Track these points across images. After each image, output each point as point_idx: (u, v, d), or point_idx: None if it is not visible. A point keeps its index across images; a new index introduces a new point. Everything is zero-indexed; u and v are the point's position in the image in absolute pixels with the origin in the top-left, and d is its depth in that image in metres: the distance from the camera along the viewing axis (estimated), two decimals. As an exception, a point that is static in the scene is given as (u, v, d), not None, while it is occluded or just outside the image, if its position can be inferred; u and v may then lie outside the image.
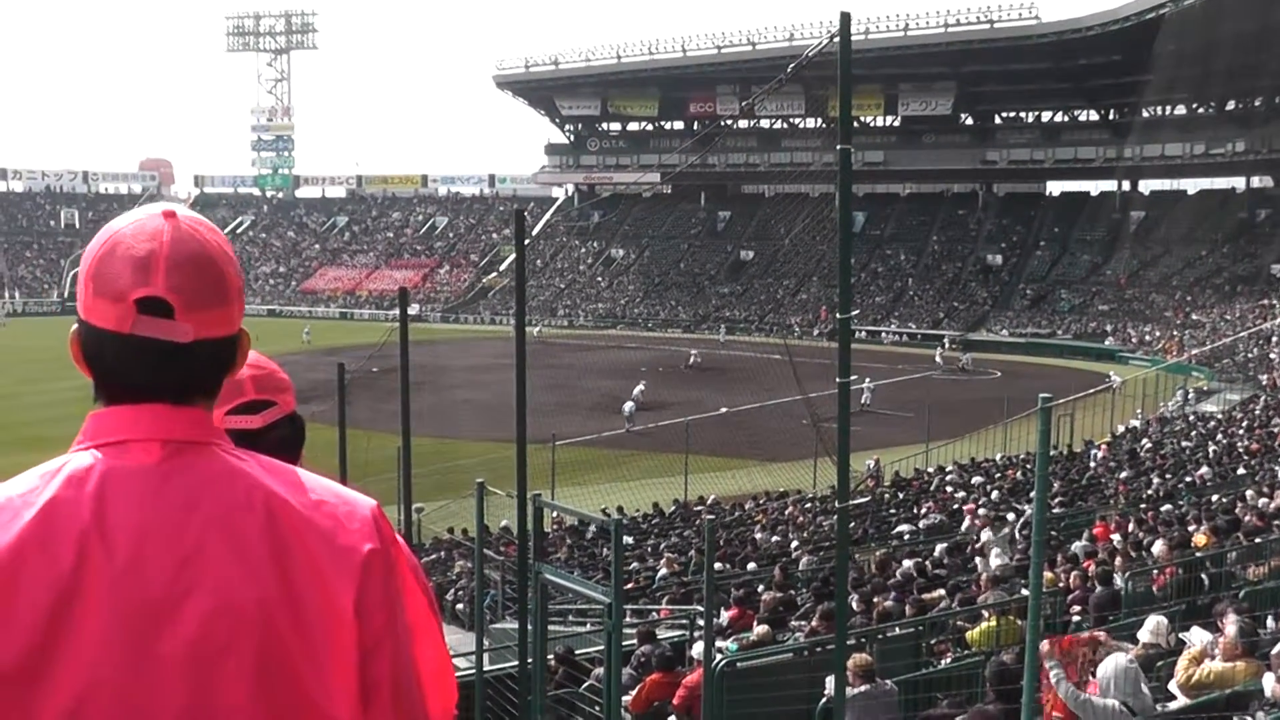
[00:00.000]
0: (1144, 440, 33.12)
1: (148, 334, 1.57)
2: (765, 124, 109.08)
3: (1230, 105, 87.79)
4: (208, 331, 1.61)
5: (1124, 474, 25.50)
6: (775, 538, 22.95)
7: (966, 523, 20.89)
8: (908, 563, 16.50)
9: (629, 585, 17.14)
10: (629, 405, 44.27)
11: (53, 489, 1.54)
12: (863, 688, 8.80)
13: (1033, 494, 7.51)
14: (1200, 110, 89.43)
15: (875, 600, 12.83)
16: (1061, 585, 12.64)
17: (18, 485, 1.56)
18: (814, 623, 11.70)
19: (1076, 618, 11.36)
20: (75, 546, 1.50)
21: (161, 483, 1.57)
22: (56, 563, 1.49)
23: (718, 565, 17.28)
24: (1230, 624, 7.85)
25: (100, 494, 1.54)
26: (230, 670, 1.51)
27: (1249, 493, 18.34)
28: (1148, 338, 70.74)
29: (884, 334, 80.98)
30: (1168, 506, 19.00)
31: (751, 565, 19.22)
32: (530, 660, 10.74)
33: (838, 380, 7.85)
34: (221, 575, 1.53)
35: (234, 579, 1.53)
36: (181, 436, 1.61)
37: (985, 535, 17.62)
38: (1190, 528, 15.74)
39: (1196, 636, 8.23)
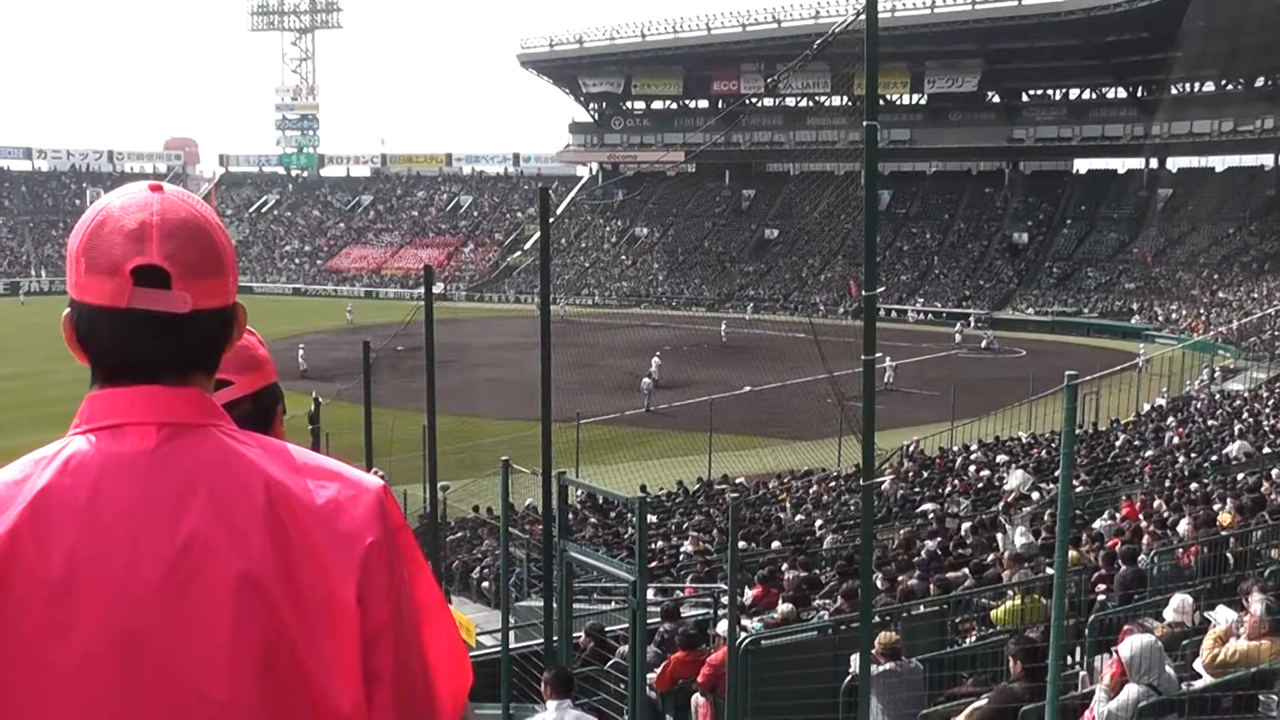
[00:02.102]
0: (1169, 419, 32.95)
1: (146, 307, 1.53)
2: (790, 102, 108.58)
3: (1259, 82, 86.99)
4: (205, 302, 1.57)
5: (1149, 452, 25.41)
6: (799, 516, 22.96)
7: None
8: (930, 543, 16.51)
9: (653, 564, 17.19)
10: (646, 382, 44.30)
11: (46, 477, 1.50)
12: (888, 666, 8.82)
13: (1058, 472, 7.51)
14: (1229, 87, 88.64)
15: (900, 579, 12.85)
16: (1087, 564, 12.62)
17: (11, 472, 1.53)
18: (838, 601, 11.73)
19: (1101, 596, 11.35)
20: (69, 538, 1.47)
21: (157, 469, 1.52)
22: (50, 555, 1.46)
23: (742, 544, 17.30)
24: (1256, 603, 7.83)
25: (95, 482, 1.50)
26: (234, 661, 1.47)
27: (1275, 471, 18.25)
28: (1174, 315, 70.32)
29: (909, 312, 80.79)
30: (1194, 485, 18.94)
31: (776, 544, 19.24)
32: (556, 638, 10.81)
33: (863, 358, 7.85)
34: (221, 564, 1.48)
35: (234, 568, 1.49)
36: (178, 419, 1.57)
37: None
38: (1215, 506, 15.69)
39: (1222, 615, 8.21)
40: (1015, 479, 21.62)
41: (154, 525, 1.49)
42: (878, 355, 8.45)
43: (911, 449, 31.62)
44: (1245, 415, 31.21)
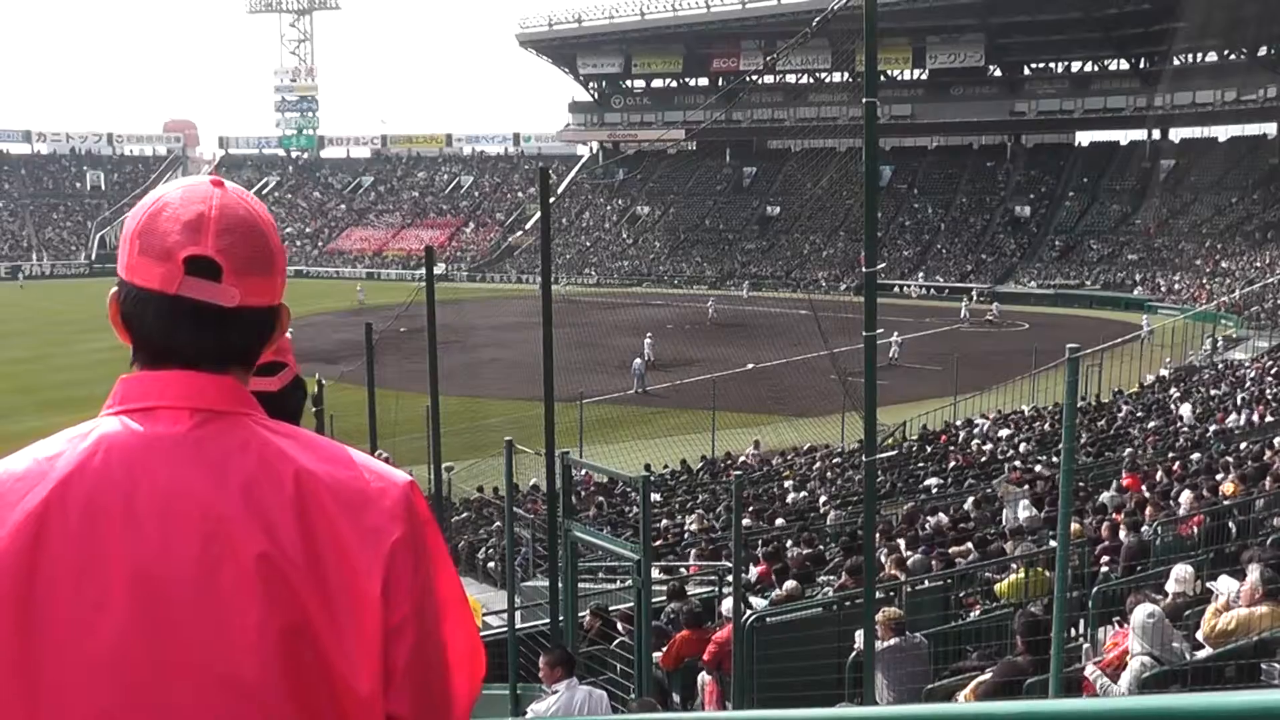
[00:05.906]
0: (1172, 389, 32.94)
1: (194, 295, 1.55)
2: (791, 79, 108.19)
3: (1262, 51, 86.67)
4: (252, 299, 1.60)
5: (1152, 423, 25.41)
6: (803, 494, 22.99)
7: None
8: (932, 519, 16.53)
9: (658, 542, 17.22)
10: (637, 363, 43.74)
11: (79, 455, 1.51)
12: (893, 641, 8.85)
13: (1060, 446, 7.53)
14: (1231, 56, 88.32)
15: (904, 554, 12.88)
16: (1091, 535, 12.64)
17: (45, 449, 1.54)
18: (842, 578, 11.76)
19: (1105, 568, 11.38)
20: (101, 516, 1.48)
21: (189, 453, 1.54)
22: (82, 533, 1.47)
23: (746, 521, 17.33)
24: (1253, 570, 7.84)
25: (128, 462, 1.51)
26: (262, 643, 1.49)
27: (1278, 440, 18.26)
28: (1176, 286, 70.28)
29: (912, 287, 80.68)
30: (1196, 455, 18.95)
31: (780, 521, 19.28)
32: (561, 617, 10.85)
33: (864, 334, 7.87)
34: (249, 549, 1.50)
35: (261, 554, 1.50)
36: (212, 405, 1.58)
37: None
38: (1218, 476, 15.71)
39: (1224, 585, 8.22)
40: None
41: (186, 507, 1.50)
42: (879, 330, 8.46)
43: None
44: (1249, 384, 31.21)
